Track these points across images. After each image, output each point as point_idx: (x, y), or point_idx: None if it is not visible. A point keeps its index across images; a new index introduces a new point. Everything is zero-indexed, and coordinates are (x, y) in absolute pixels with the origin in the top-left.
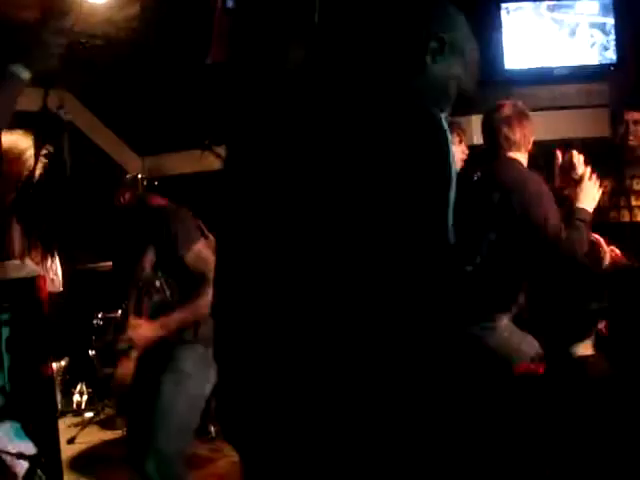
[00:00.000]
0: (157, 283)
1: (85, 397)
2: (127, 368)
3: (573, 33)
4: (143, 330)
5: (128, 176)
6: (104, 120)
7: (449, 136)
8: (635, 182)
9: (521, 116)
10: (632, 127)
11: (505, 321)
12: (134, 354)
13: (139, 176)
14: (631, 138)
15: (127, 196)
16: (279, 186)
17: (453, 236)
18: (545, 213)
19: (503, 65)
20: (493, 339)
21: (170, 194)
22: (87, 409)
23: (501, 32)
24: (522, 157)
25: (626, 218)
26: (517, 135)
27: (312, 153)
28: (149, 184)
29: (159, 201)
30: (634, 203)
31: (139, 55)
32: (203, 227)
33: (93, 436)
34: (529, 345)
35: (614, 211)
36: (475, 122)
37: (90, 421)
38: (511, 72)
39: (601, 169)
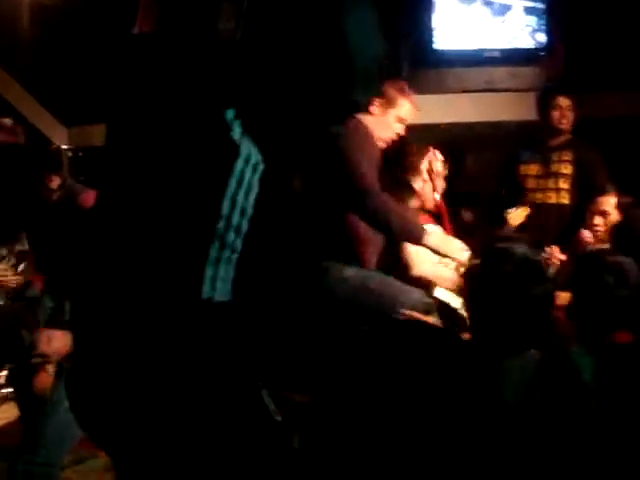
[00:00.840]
0: None
1: (4, 372)
2: (45, 382)
3: (505, 16)
4: (57, 342)
5: (52, 147)
6: (28, 88)
7: (238, 159)
8: (564, 166)
9: None
10: (564, 112)
11: (354, 272)
12: (51, 368)
13: (62, 147)
14: (564, 122)
15: (55, 183)
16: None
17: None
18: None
19: (432, 46)
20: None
21: (96, 165)
22: (6, 385)
23: (431, 13)
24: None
25: (552, 200)
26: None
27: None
28: (74, 155)
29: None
30: (561, 186)
31: (65, 21)
32: None
33: (10, 412)
34: (406, 294)
35: (540, 192)
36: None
37: (7, 397)
38: (441, 53)
39: (530, 152)
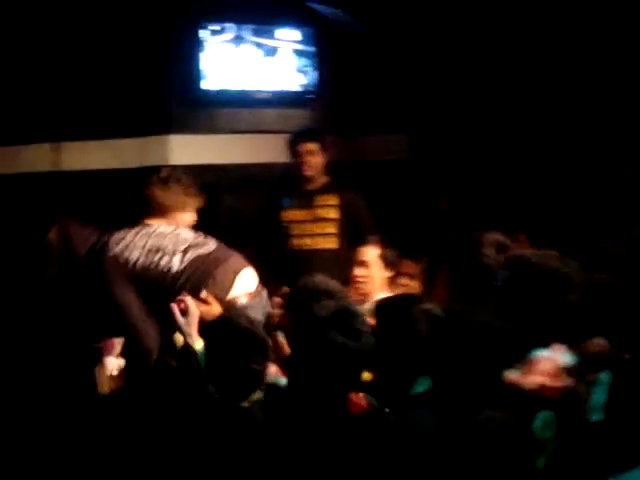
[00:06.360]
0: None
1: None
2: None
3: (275, 58)
4: None
5: None
6: None
7: None
8: (328, 210)
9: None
10: (306, 157)
11: None
12: None
13: None
14: (306, 168)
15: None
16: None
17: None
18: None
19: (199, 85)
20: None
21: None
22: None
23: (200, 52)
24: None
25: (320, 245)
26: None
27: None
28: None
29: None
30: (328, 231)
31: None
32: None
33: None
34: None
35: (308, 238)
36: (173, 141)
37: None
38: (209, 93)
39: (290, 197)
